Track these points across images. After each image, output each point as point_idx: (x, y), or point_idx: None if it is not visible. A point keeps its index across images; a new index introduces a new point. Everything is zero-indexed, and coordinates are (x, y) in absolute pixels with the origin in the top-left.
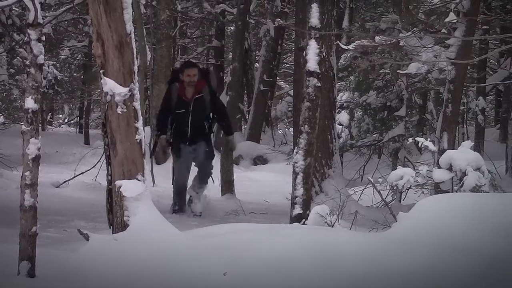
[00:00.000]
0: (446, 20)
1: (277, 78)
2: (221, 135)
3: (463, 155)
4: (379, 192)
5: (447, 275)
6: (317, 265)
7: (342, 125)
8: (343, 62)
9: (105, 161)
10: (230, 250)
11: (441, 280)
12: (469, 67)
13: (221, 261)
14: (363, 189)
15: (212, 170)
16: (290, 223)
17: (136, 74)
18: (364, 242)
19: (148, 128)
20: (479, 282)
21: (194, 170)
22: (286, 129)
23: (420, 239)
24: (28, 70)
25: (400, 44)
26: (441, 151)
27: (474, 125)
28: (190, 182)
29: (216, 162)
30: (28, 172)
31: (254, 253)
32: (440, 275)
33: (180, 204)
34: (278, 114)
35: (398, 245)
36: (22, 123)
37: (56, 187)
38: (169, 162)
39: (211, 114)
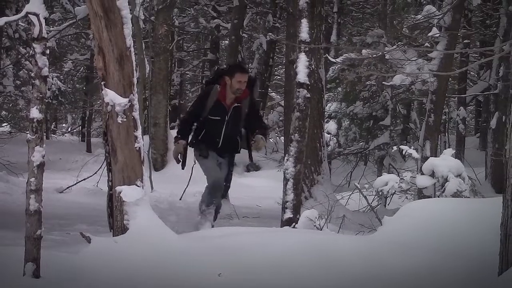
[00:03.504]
0: (429, 34)
1: (269, 89)
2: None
3: (445, 162)
4: (365, 197)
5: (435, 275)
6: (311, 266)
7: (330, 133)
8: (332, 74)
9: (106, 168)
10: (224, 252)
11: (432, 281)
12: (450, 79)
13: (216, 263)
14: (350, 194)
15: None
16: (281, 227)
17: (135, 86)
18: (354, 244)
19: (146, 137)
20: (465, 283)
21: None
22: (278, 137)
23: (405, 242)
24: (33, 81)
25: (385, 57)
26: (424, 159)
27: (455, 133)
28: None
29: None
30: (33, 178)
31: (247, 255)
32: (429, 275)
33: (217, 201)
34: (269, 123)
35: (387, 247)
36: (28, 132)
37: (60, 192)
38: (167, 169)
39: (242, 129)
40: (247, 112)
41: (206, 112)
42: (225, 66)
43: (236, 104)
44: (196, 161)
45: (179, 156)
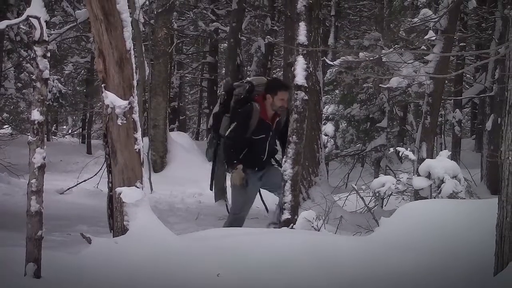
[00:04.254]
0: (425, 37)
1: None
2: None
3: (441, 163)
4: (362, 198)
5: (431, 276)
6: (310, 266)
7: (327, 135)
8: (329, 77)
9: (106, 169)
10: (223, 252)
11: (428, 281)
12: (446, 81)
13: (215, 263)
14: (348, 196)
15: None
16: (279, 227)
17: (135, 88)
18: (352, 245)
19: (146, 139)
20: (461, 283)
21: None
22: None
23: (402, 242)
24: (34, 84)
25: (382, 60)
26: (420, 160)
27: (451, 135)
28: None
29: (210, 170)
30: (34, 179)
31: (246, 255)
32: (425, 276)
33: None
34: None
35: (385, 248)
36: (29, 133)
37: (61, 193)
38: (167, 170)
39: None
40: (284, 121)
41: (249, 133)
42: (251, 81)
43: (277, 119)
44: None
45: (243, 181)
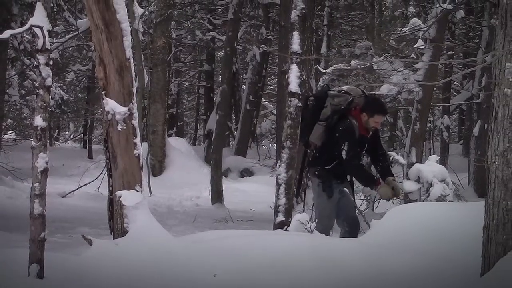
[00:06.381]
0: (415, 46)
1: (262, 98)
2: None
3: (430, 168)
4: (354, 201)
5: (421, 276)
6: (304, 267)
7: None
8: (322, 84)
9: (106, 173)
10: (220, 253)
11: (418, 282)
12: (435, 89)
13: (211, 264)
14: None
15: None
16: (273, 230)
17: (134, 95)
18: (345, 246)
19: (145, 144)
20: (449, 283)
21: None
22: (270, 144)
23: (392, 244)
24: (37, 91)
25: (373, 68)
26: (410, 164)
27: (439, 141)
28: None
29: (206, 174)
30: (37, 183)
31: (241, 256)
32: (415, 276)
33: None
34: (262, 131)
35: (376, 249)
36: (32, 139)
37: (63, 197)
38: (165, 174)
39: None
40: (370, 136)
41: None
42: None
43: (370, 134)
44: (314, 192)
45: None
